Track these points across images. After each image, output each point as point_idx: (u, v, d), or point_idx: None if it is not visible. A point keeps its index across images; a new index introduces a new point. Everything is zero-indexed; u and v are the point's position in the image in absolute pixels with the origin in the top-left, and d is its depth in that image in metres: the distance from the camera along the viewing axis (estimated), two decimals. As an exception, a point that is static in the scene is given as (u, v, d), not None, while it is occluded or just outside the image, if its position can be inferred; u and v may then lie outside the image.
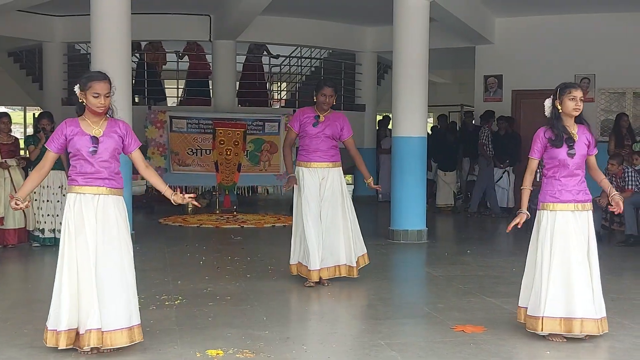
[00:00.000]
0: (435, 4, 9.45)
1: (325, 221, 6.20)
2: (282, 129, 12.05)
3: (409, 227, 9.08)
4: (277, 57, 14.41)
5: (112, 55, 8.25)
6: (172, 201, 4.50)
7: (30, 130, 17.88)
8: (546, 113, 4.66)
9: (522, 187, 4.75)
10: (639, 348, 4.54)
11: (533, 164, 4.68)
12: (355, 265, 6.34)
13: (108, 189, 4.27)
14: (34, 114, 17.44)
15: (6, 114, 8.66)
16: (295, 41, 14.06)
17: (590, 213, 4.67)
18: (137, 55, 13.40)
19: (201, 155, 11.78)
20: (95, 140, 4.24)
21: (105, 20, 8.27)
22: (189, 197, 4.47)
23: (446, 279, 6.78)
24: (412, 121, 9.14)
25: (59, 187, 8.26)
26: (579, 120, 4.66)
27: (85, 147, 4.22)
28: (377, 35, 13.91)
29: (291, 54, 15.41)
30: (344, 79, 14.84)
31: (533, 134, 4.73)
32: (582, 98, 4.58)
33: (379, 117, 15.59)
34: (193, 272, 6.81)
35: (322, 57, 15.78)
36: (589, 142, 4.65)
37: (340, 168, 6.36)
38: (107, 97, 4.25)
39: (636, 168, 9.42)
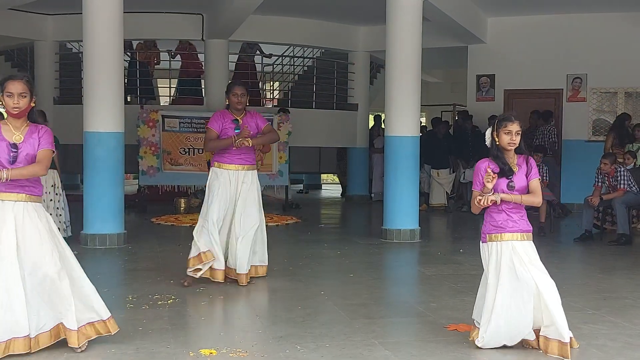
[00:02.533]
0: (428, 3, 9.46)
1: (233, 224, 6.19)
2: (274, 128, 12.01)
3: (402, 227, 9.08)
4: (269, 56, 14.40)
5: (104, 54, 8.24)
6: None
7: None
8: (487, 143, 4.54)
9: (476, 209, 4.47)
10: (631, 347, 4.55)
11: (474, 195, 4.48)
12: (245, 272, 6.19)
13: (28, 195, 4.15)
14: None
15: None
16: (287, 40, 14.04)
17: (532, 243, 4.49)
18: (129, 54, 13.35)
19: (193, 155, 11.75)
20: (14, 146, 4.10)
21: (97, 19, 8.24)
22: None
23: (439, 278, 6.79)
24: (405, 121, 9.14)
25: (52, 185, 8.23)
26: (519, 150, 4.53)
27: (4, 153, 4.08)
28: (370, 34, 13.92)
29: (284, 53, 15.39)
30: (336, 79, 14.83)
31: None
32: (519, 132, 4.44)
33: (371, 117, 15.59)
34: (185, 272, 6.77)
35: (314, 57, 15.76)
36: (529, 170, 4.51)
37: (256, 171, 6.34)
38: (23, 97, 4.08)
39: (628, 168, 9.46)
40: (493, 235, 4.46)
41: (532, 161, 4.56)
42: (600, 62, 12.27)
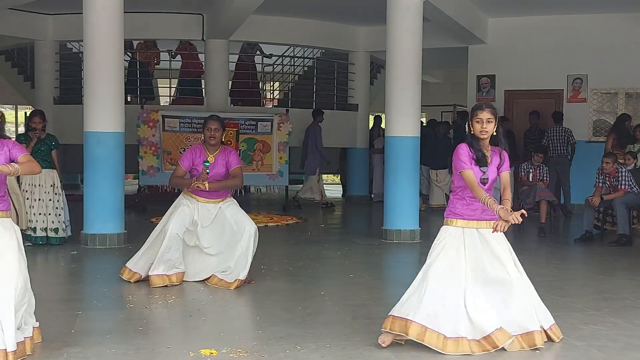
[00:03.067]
0: (429, 3, 9.45)
1: (201, 243, 6.22)
2: (274, 129, 12.03)
3: (402, 227, 9.08)
4: (270, 56, 14.40)
5: (105, 54, 8.24)
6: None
7: (21, 129, 17.79)
8: (467, 134, 4.55)
9: (482, 200, 4.35)
10: (632, 347, 4.55)
11: (470, 175, 4.40)
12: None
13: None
14: (25, 113, 17.35)
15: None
16: (288, 40, 14.04)
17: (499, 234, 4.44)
18: (129, 54, 13.35)
19: (194, 155, 11.72)
20: None
21: (97, 18, 8.23)
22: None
23: (439, 279, 6.76)
24: (406, 121, 9.14)
25: (51, 185, 8.23)
26: (496, 142, 4.52)
27: None
28: (370, 34, 13.92)
29: (284, 53, 15.39)
30: (336, 79, 14.82)
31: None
32: (490, 120, 4.42)
33: (371, 117, 15.59)
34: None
35: (315, 57, 15.76)
36: (501, 164, 4.52)
37: (231, 198, 6.30)
38: None
39: (628, 168, 9.46)
40: (454, 220, 4.50)
41: (505, 154, 4.58)
42: (601, 63, 12.26)
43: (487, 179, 4.47)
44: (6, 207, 4.21)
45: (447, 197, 12.81)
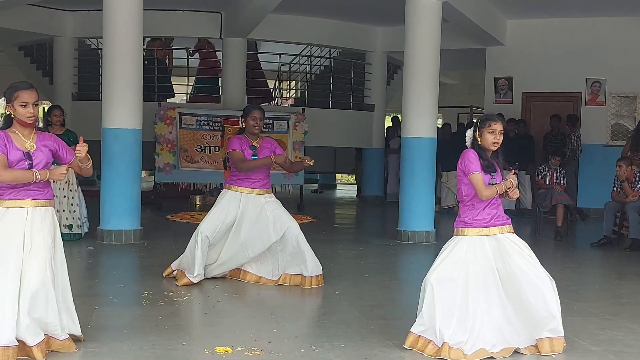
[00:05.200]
0: (447, 4, 9.42)
1: (246, 239, 6.10)
2: (290, 128, 12.04)
3: (417, 228, 9.06)
4: (265, 53, 14.39)
5: (124, 51, 8.28)
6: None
7: (40, 125, 17.88)
8: (467, 144, 4.52)
9: (492, 193, 4.38)
10: (649, 353, 4.51)
11: (480, 177, 4.38)
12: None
13: (35, 200, 4.11)
14: (43, 108, 17.44)
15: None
16: (305, 40, 14.04)
17: (513, 235, 4.46)
18: (146, 51, 13.39)
19: (210, 153, 11.77)
20: (28, 155, 4.07)
21: (117, 15, 8.28)
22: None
23: (454, 281, 6.74)
24: (422, 122, 9.12)
25: (66, 182, 8.25)
26: (496, 156, 4.53)
27: (20, 162, 4.04)
28: (388, 35, 13.89)
29: (301, 52, 15.39)
30: (353, 79, 14.80)
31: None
32: (502, 131, 4.45)
33: (388, 118, 15.56)
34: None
35: (331, 57, 15.76)
36: (503, 174, 4.57)
37: (270, 194, 6.23)
38: (36, 106, 4.08)
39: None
40: (465, 229, 4.51)
41: (501, 162, 4.61)
42: (620, 67, 12.17)
43: (496, 181, 4.45)
44: (48, 195, 4.17)
45: (456, 199, 12.76)
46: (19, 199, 4.06)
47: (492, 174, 4.46)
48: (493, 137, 4.43)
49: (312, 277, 6.12)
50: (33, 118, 4.08)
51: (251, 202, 6.10)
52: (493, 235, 4.44)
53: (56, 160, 4.27)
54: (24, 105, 4.04)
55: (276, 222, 6.09)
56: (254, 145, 6.10)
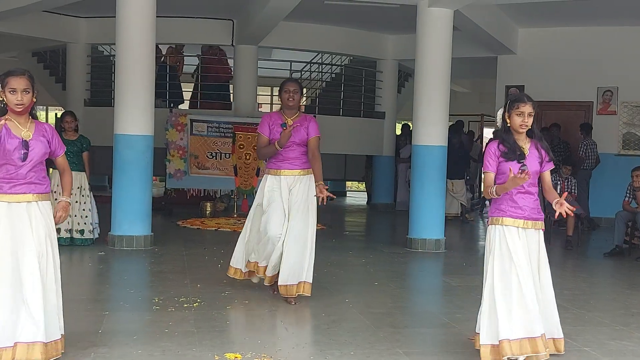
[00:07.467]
0: (459, 13, 9.43)
1: (290, 233, 5.72)
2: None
3: (427, 236, 9.05)
4: (276, 61, 14.39)
5: (136, 57, 8.32)
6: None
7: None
8: (497, 124, 4.36)
9: (496, 192, 4.23)
10: (660, 364, 4.49)
11: (489, 177, 4.28)
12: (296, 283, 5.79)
13: (35, 194, 4.04)
14: (56, 114, 17.58)
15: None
16: (316, 47, 14.08)
17: (541, 233, 4.36)
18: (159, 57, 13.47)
19: (220, 159, 11.82)
20: (25, 144, 3.99)
21: (130, 22, 8.34)
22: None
23: (465, 289, 6.74)
24: (433, 130, 9.13)
25: (78, 187, 8.29)
26: (531, 134, 4.35)
27: (16, 150, 3.97)
28: (399, 43, 13.91)
29: (312, 60, 15.43)
30: (364, 86, 14.84)
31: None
32: (532, 113, 4.20)
33: (398, 125, 15.56)
34: (211, 275, 6.82)
35: (342, 64, 15.79)
36: (542, 157, 4.34)
37: (311, 175, 5.79)
38: (26, 93, 3.95)
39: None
40: (499, 218, 4.32)
41: (543, 148, 4.35)
42: (632, 75, 12.14)
43: (527, 169, 4.19)
44: (46, 189, 4.11)
45: (463, 207, 12.76)
46: (20, 194, 3.99)
47: (521, 159, 4.24)
48: (521, 120, 4.22)
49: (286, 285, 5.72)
50: (21, 106, 3.97)
51: (293, 184, 5.78)
52: (526, 229, 4.29)
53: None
54: (12, 92, 3.93)
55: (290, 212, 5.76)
56: (284, 124, 5.76)
